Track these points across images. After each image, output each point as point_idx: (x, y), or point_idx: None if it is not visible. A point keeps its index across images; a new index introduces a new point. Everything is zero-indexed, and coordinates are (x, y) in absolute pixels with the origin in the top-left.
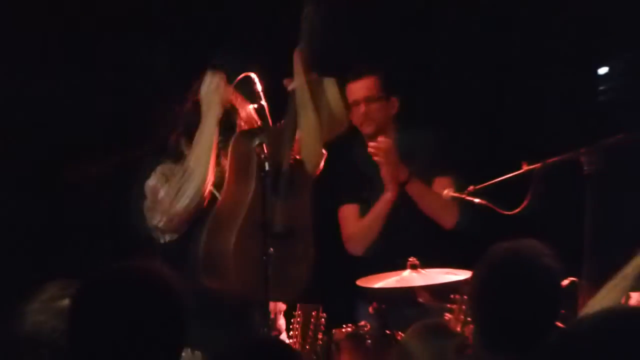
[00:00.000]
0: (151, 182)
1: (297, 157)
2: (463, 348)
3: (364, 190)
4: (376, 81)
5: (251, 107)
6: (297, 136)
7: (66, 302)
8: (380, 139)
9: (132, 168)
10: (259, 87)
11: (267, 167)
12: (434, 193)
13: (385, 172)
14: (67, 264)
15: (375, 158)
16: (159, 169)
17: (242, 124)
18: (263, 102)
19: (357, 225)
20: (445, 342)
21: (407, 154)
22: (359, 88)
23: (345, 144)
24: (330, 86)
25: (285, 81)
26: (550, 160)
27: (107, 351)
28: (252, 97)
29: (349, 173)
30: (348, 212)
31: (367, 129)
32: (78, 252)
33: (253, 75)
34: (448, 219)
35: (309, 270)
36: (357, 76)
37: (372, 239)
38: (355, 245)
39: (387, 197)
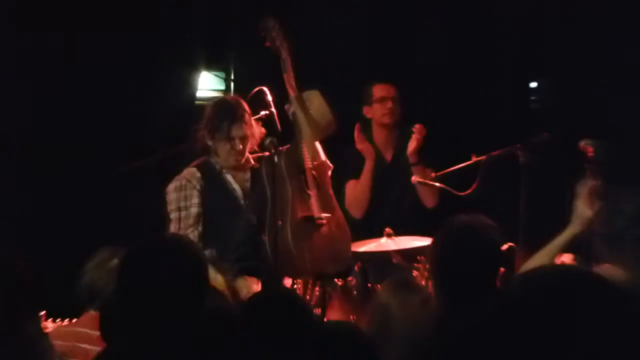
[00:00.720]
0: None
1: (315, 162)
2: (426, 300)
3: (358, 167)
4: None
5: (262, 113)
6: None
7: (115, 262)
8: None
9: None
10: (269, 97)
11: (275, 160)
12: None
13: (367, 146)
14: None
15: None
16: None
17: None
18: (273, 109)
19: (354, 192)
20: (411, 295)
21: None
22: (388, 89)
23: (344, 140)
24: (314, 98)
25: (285, 107)
26: (493, 153)
27: (147, 300)
28: (265, 106)
29: (350, 158)
30: (350, 185)
31: (389, 120)
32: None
33: (265, 88)
34: (432, 200)
35: (350, 246)
36: (385, 80)
37: (365, 203)
38: (354, 209)
39: (367, 167)
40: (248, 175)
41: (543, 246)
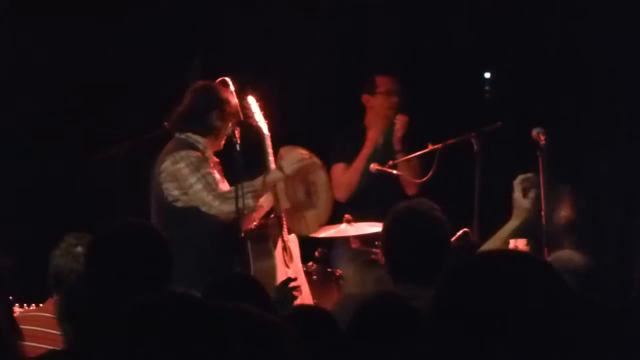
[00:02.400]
0: (172, 165)
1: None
2: (381, 279)
3: (349, 152)
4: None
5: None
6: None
7: (80, 249)
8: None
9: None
10: (232, 87)
11: (237, 148)
12: None
13: (372, 133)
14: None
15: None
16: (184, 154)
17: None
18: (236, 99)
19: (343, 176)
20: (370, 273)
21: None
22: (393, 82)
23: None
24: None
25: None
26: (449, 142)
27: (114, 284)
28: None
29: (340, 142)
30: (339, 168)
31: (391, 112)
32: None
33: (227, 78)
34: (413, 188)
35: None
36: (387, 72)
37: (354, 186)
38: (341, 192)
39: (364, 152)
40: None
41: (496, 231)
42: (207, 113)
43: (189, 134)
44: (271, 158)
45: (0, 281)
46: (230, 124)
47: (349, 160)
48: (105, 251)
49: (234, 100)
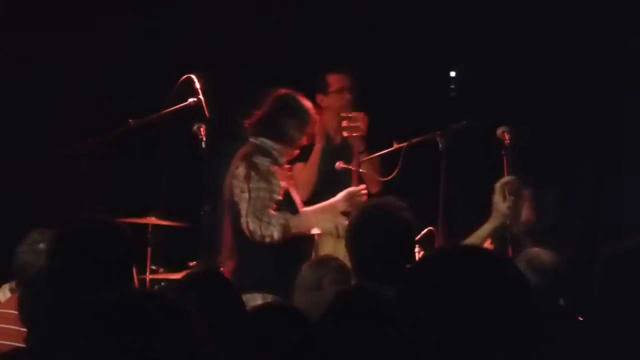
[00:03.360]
0: (244, 169)
1: None
2: (337, 280)
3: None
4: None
5: (190, 100)
6: None
7: (43, 245)
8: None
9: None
10: (197, 85)
11: (203, 145)
12: None
13: (319, 129)
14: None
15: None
16: (258, 162)
17: None
18: (201, 97)
19: (301, 174)
20: (323, 271)
21: None
22: (345, 79)
23: None
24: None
25: None
26: (414, 140)
27: (76, 278)
28: (193, 93)
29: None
30: (297, 168)
31: (345, 109)
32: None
33: (193, 76)
34: (376, 186)
35: None
36: (340, 70)
37: (312, 185)
38: (302, 190)
39: (317, 147)
40: None
41: (461, 229)
42: (284, 121)
43: (264, 140)
44: (350, 190)
45: None
46: (306, 135)
47: (305, 159)
48: (66, 247)
49: (313, 111)
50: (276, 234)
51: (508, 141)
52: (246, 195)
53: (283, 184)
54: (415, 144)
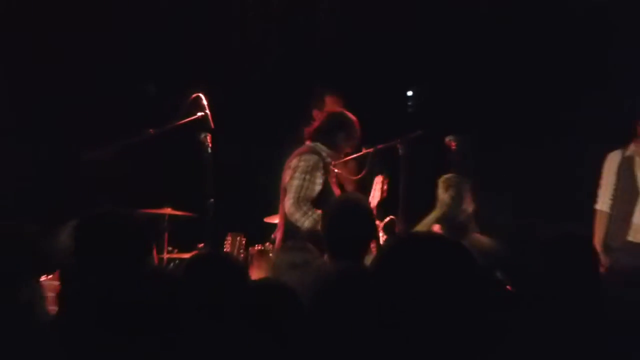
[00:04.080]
0: (297, 161)
1: None
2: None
3: None
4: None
5: (198, 114)
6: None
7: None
8: None
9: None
10: (204, 102)
11: (209, 151)
12: None
13: None
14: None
15: None
16: (308, 157)
17: None
18: (207, 111)
19: None
20: (294, 255)
21: None
22: (339, 101)
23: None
24: None
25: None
26: (379, 146)
27: (101, 260)
28: (201, 108)
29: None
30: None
31: None
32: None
33: (201, 94)
34: (351, 185)
35: None
36: (335, 92)
37: None
38: None
39: None
40: None
41: (416, 218)
42: (336, 133)
43: (318, 144)
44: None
45: (34, 247)
46: (351, 146)
47: None
48: (87, 233)
49: (357, 128)
50: (307, 224)
51: (454, 147)
52: (294, 182)
53: (324, 178)
54: (380, 149)
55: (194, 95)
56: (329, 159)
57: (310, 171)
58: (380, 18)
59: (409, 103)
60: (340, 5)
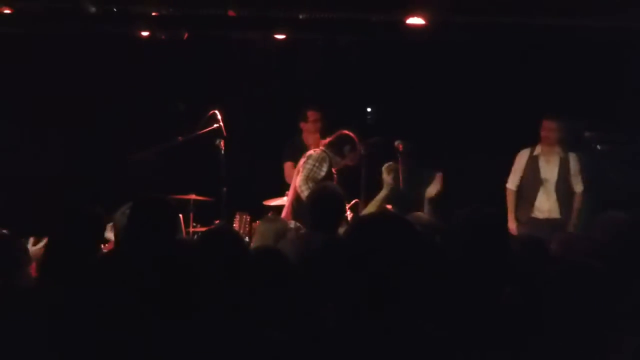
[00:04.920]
0: (308, 154)
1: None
2: (283, 231)
3: (294, 155)
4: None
5: (215, 126)
6: None
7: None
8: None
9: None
10: (219, 117)
11: (222, 153)
12: None
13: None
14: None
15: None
16: (320, 153)
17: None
18: (221, 124)
19: (291, 170)
20: (276, 225)
21: None
22: (318, 115)
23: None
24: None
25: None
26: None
27: (139, 235)
28: (217, 121)
29: (290, 147)
30: (287, 165)
31: (318, 134)
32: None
33: (216, 111)
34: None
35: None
36: (316, 108)
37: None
38: (290, 180)
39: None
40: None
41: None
42: (343, 147)
43: (329, 151)
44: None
45: (98, 227)
46: (354, 159)
47: (294, 159)
48: (137, 212)
49: (358, 144)
50: (306, 194)
51: (401, 149)
52: (307, 166)
53: (328, 169)
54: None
55: (212, 112)
56: (334, 161)
57: (320, 161)
58: (346, 62)
59: (369, 117)
60: (317, 60)
